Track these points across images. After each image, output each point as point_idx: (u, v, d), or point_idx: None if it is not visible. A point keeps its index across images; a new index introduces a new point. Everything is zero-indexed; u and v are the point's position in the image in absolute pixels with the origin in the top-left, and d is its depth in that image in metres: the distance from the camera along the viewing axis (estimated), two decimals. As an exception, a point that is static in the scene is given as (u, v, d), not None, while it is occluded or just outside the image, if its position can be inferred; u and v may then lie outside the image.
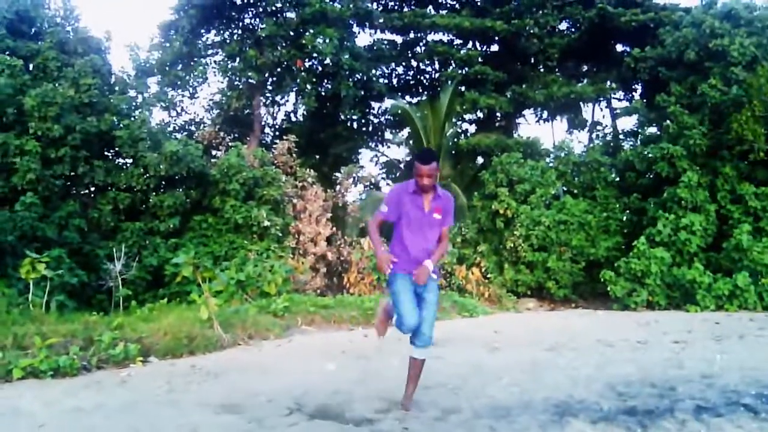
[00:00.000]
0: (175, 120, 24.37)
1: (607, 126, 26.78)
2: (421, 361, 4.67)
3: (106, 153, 17.14)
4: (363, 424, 4.22)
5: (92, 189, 16.92)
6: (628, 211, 18.46)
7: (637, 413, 4.14)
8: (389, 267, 4.51)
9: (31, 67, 17.01)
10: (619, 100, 26.35)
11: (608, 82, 24.65)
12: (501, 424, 3.96)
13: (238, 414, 4.62)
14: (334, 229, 18.07)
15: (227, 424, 4.33)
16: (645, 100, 20.96)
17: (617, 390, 5.00)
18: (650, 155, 17.79)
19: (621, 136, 23.88)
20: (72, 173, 16.00)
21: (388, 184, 27.71)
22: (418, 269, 4.53)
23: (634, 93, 25.09)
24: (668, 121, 17.65)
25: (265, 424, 4.29)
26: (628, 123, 28.06)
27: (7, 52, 16.39)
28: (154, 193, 16.62)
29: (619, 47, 24.93)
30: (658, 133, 19.38)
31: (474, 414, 4.31)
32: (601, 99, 26.19)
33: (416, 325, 4.50)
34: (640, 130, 21.62)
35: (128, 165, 16.90)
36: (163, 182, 16.87)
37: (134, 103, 18.10)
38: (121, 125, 16.58)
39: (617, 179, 19.52)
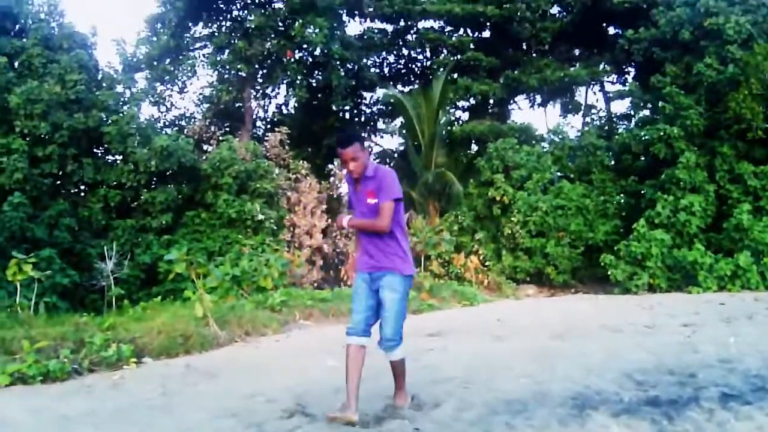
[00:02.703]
0: (164, 115, 24.02)
1: (601, 109, 26.62)
2: (398, 361, 4.34)
3: (94, 150, 16.86)
4: (370, 425, 3.98)
5: (82, 187, 16.64)
6: (625, 194, 18.25)
7: (661, 404, 3.91)
8: (338, 223, 4.31)
9: (15, 64, 16.62)
10: (612, 83, 26.14)
11: (602, 65, 24.42)
12: (518, 420, 3.72)
13: (236, 417, 4.37)
14: (330, 220, 17.82)
15: (225, 429, 4.08)
16: (639, 83, 20.71)
17: (635, 378, 4.77)
18: (646, 137, 17.57)
19: (615, 120, 23.68)
20: (60, 171, 15.71)
21: (381, 174, 27.39)
22: None
23: (627, 75, 24.85)
24: (664, 102, 17.43)
25: (265, 429, 4.04)
26: (621, 106, 27.93)
27: (-9, 50, 16.02)
28: (145, 190, 16.32)
29: (612, 30, 24.64)
30: (653, 115, 19.16)
31: (488, 409, 4.07)
32: (595, 82, 25.96)
33: (358, 325, 4.20)
34: (634, 113, 21.42)
35: (118, 161, 16.61)
36: (154, 178, 16.58)
37: (122, 99, 17.75)
38: (110, 121, 16.26)
39: (613, 162, 19.31)
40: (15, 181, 14.43)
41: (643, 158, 18.29)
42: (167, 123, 23.77)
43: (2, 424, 4.43)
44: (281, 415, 4.35)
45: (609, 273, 15.43)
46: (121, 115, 16.53)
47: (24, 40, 17.18)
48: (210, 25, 23.20)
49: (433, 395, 4.66)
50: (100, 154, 16.97)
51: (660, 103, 17.59)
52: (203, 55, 23.81)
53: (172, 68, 22.89)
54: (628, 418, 3.63)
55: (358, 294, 4.32)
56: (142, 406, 4.94)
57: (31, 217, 14.34)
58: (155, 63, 22.59)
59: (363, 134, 27.44)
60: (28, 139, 15.03)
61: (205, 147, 20.86)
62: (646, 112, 20.17)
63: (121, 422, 4.41)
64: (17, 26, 17.96)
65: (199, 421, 4.35)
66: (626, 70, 24.71)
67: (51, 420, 4.54)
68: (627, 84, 23.09)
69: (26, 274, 8.45)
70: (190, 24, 23.07)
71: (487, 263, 17.34)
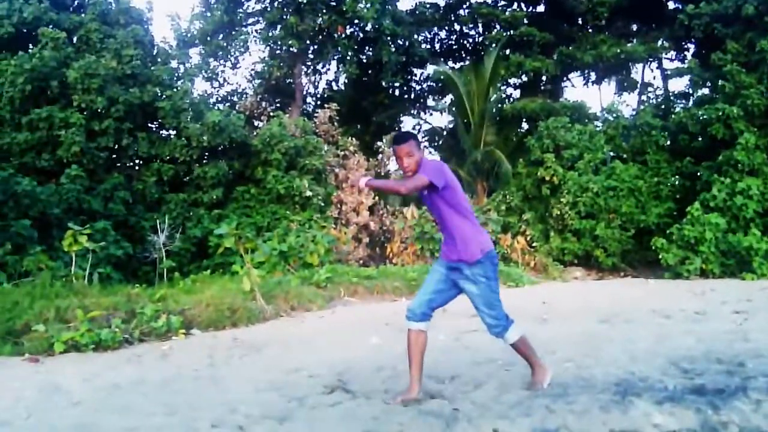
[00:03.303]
0: (217, 91, 24.41)
1: (658, 87, 25.82)
2: (517, 342, 4.22)
3: (149, 124, 17.20)
4: (409, 403, 4.00)
5: (136, 161, 17.03)
6: (680, 176, 17.73)
7: (707, 392, 3.82)
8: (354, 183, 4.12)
9: (74, 39, 17.03)
10: (671, 60, 25.37)
11: (660, 41, 23.68)
12: (559, 405, 3.69)
13: (278, 391, 4.45)
14: (377, 198, 17.85)
15: (267, 402, 4.16)
16: (698, 60, 20.00)
17: (681, 366, 4.67)
18: (704, 117, 17.00)
19: (672, 98, 22.96)
20: (116, 145, 16.09)
21: (431, 152, 27.34)
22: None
23: (686, 53, 24.07)
24: (724, 81, 16.82)
25: (306, 403, 4.10)
26: (679, 84, 27.10)
27: (51, 26, 16.40)
28: (197, 165, 16.62)
29: (671, 4, 23.85)
30: (712, 94, 18.52)
31: (529, 392, 4.05)
32: (652, 59, 25.24)
33: (418, 309, 4.12)
34: (692, 91, 20.74)
35: (171, 136, 16.93)
36: (206, 153, 16.86)
37: (176, 74, 18.05)
38: (164, 96, 16.57)
39: (669, 143, 18.73)
40: (72, 154, 14.86)
41: (700, 139, 17.72)
42: (219, 99, 24.13)
43: (55, 391, 4.61)
44: (323, 390, 4.41)
45: (660, 257, 15.08)
46: (175, 90, 16.81)
47: (82, 15, 17.59)
48: (262, 0, 23.32)
49: (474, 376, 4.66)
50: (154, 129, 17.32)
51: (720, 82, 16.99)
52: (255, 30, 24.00)
53: (225, 44, 23.15)
54: (672, 407, 3.56)
55: (431, 275, 4.28)
56: (189, 376, 5.07)
57: (87, 189, 14.77)
58: (209, 38, 22.87)
59: (412, 111, 27.40)
60: (85, 113, 15.42)
61: (255, 123, 21.11)
62: (705, 91, 19.50)
63: (168, 392, 4.53)
64: (76, 2, 18.37)
65: (242, 393, 4.44)
66: (685, 46, 23.93)
67: (102, 388, 4.71)
68: (686, 61, 22.37)
69: (81, 245, 8.73)
70: (243, 0, 23.23)
71: (534, 244, 17.17)
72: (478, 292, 4.12)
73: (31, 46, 16.55)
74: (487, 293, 4.14)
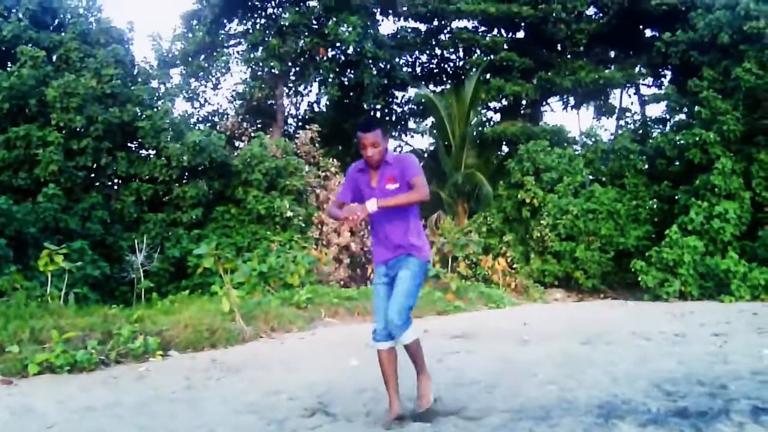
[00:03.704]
0: (198, 111, 24.26)
1: (635, 113, 26.21)
2: (412, 344, 4.11)
3: (128, 144, 17.06)
4: (392, 426, 3.95)
5: (115, 180, 16.87)
6: (658, 199, 17.93)
7: (690, 415, 3.81)
8: (363, 211, 3.94)
9: (54, 58, 16.92)
10: (648, 86, 25.72)
11: (637, 68, 24.04)
12: (542, 428, 3.66)
13: (257, 414, 4.37)
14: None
15: (246, 425, 4.07)
16: (675, 86, 20.33)
17: (664, 388, 4.66)
18: (682, 142, 17.27)
19: (650, 123, 23.29)
20: (94, 164, 15.94)
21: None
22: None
23: (663, 79, 24.47)
24: (700, 107, 17.09)
25: (286, 426, 4.03)
26: (656, 110, 27.46)
27: (30, 44, 16.27)
28: (176, 184, 16.49)
29: (649, 32, 24.24)
30: (689, 119, 18.82)
31: (511, 415, 4.01)
32: (630, 85, 25.58)
33: (383, 330, 4.04)
34: (669, 117, 21.06)
35: (151, 156, 16.80)
36: (186, 173, 16.75)
37: (157, 94, 17.97)
38: (144, 116, 16.46)
39: (646, 167, 18.99)
40: (50, 173, 14.68)
41: (677, 163, 17.97)
42: (200, 119, 24.00)
43: (28, 413, 4.49)
44: (302, 413, 4.34)
45: (639, 279, 15.19)
46: (155, 110, 16.72)
47: (62, 34, 17.47)
48: (245, 22, 23.40)
49: (456, 398, 4.61)
50: (133, 148, 17.17)
51: (696, 108, 17.27)
52: (237, 52, 23.99)
53: (206, 64, 23.10)
54: (656, 429, 3.55)
55: (378, 294, 4.23)
56: (166, 398, 4.97)
57: (64, 208, 14.58)
58: (190, 59, 22.82)
59: (393, 133, 27.46)
60: (63, 132, 15.26)
61: (236, 143, 21.03)
62: (682, 117, 19.81)
63: (143, 414, 4.43)
64: (56, 21, 18.27)
65: (220, 416, 4.36)
66: (662, 73, 24.33)
67: (75, 410, 4.59)
68: (663, 87, 22.72)
69: (57, 265, 8.59)
70: (225, 21, 23.30)
71: (515, 266, 17.21)
72: (409, 276, 4.08)
73: (9, 64, 16.40)
74: (413, 284, 4.10)
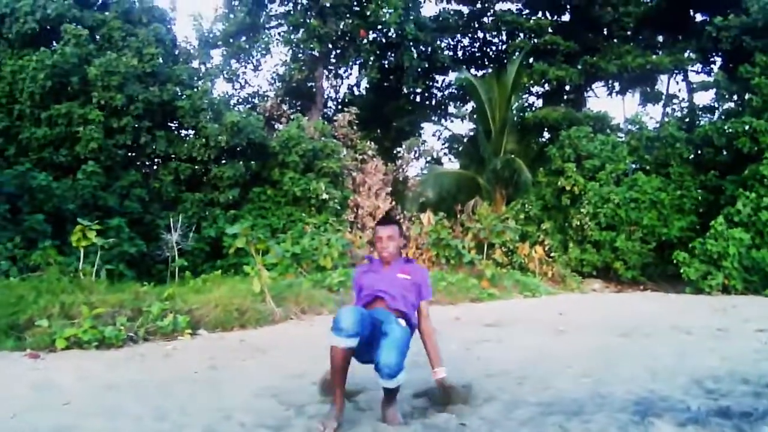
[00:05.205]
0: (238, 92, 24.40)
1: (683, 100, 25.47)
2: (396, 388, 3.67)
3: (168, 123, 17.19)
4: (415, 415, 3.80)
5: (154, 159, 17.01)
6: (703, 189, 17.37)
7: (732, 415, 3.57)
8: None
9: (96, 37, 17.08)
10: (697, 72, 24.95)
11: (686, 53, 23.28)
12: (573, 423, 3.46)
13: (277, 397, 4.25)
14: (394, 203, 17.67)
15: (263, 409, 3.96)
16: (725, 73, 19.63)
17: (704, 386, 4.41)
18: (731, 130, 16.70)
19: (698, 111, 22.56)
20: (134, 143, 16.09)
21: (450, 159, 27.12)
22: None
23: (713, 65, 23.65)
24: (751, 94, 16.45)
25: (305, 412, 3.90)
26: (705, 98, 26.66)
27: (74, 23, 16.45)
28: (214, 165, 16.56)
29: (699, 16, 23.47)
30: (739, 107, 18.16)
31: (542, 409, 3.82)
32: (678, 71, 24.83)
33: (347, 323, 3.49)
34: (718, 104, 20.37)
35: (190, 136, 16.90)
36: (224, 153, 16.80)
37: (197, 74, 18.06)
38: (183, 96, 16.54)
39: (693, 156, 18.41)
40: (90, 150, 14.86)
41: (725, 152, 17.40)
42: (240, 100, 24.12)
43: (49, 389, 4.46)
44: (323, 399, 4.20)
45: (681, 271, 14.77)
46: (195, 90, 16.79)
47: (105, 13, 17.64)
48: (285, 3, 23.34)
49: (485, 389, 4.41)
50: (173, 128, 17.30)
51: (747, 95, 16.67)
52: (278, 33, 23.97)
53: (246, 46, 23.14)
54: (696, 430, 3.33)
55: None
56: (188, 378, 4.90)
57: (103, 186, 14.75)
58: (231, 40, 22.88)
59: (433, 117, 27.17)
60: (104, 110, 15.41)
61: (275, 125, 21.03)
62: (732, 104, 19.16)
63: (162, 394, 4.36)
64: (99, 0, 18.42)
65: (239, 398, 4.26)
66: (712, 59, 23.52)
67: (96, 387, 4.54)
68: (712, 74, 21.96)
69: (90, 241, 8.61)
70: (266, 2, 23.26)
71: (552, 254, 16.89)
72: (400, 329, 3.73)
73: (53, 42, 16.60)
74: (408, 339, 3.80)
